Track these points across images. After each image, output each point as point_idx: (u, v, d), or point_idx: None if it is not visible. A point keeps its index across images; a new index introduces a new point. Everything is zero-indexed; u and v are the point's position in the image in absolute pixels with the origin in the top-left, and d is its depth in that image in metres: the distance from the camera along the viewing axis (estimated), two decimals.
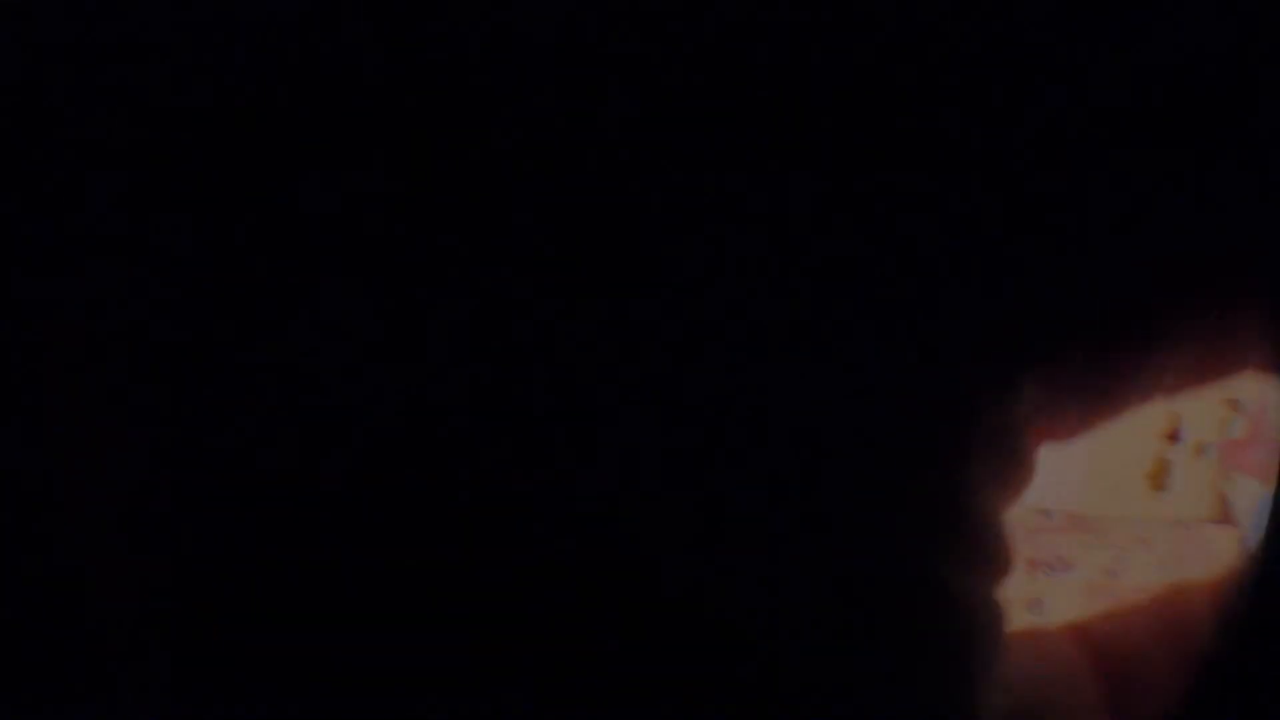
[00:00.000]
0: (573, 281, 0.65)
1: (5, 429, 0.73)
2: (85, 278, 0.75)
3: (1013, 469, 0.62)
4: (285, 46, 0.64)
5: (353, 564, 0.71)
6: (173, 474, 0.76)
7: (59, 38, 0.65)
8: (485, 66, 0.65)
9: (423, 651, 0.69)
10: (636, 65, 0.62)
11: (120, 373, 0.76)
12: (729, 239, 0.63)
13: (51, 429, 0.76)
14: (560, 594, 0.65)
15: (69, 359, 0.76)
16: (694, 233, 0.62)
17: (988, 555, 0.60)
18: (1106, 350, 0.61)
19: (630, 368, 0.63)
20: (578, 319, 0.65)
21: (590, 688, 0.65)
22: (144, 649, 0.76)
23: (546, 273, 0.65)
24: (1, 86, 0.65)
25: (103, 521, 0.79)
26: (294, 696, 0.71)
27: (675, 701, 0.63)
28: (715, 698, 0.63)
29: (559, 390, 0.65)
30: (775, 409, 0.61)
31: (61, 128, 0.69)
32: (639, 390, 0.62)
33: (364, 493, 0.71)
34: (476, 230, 0.68)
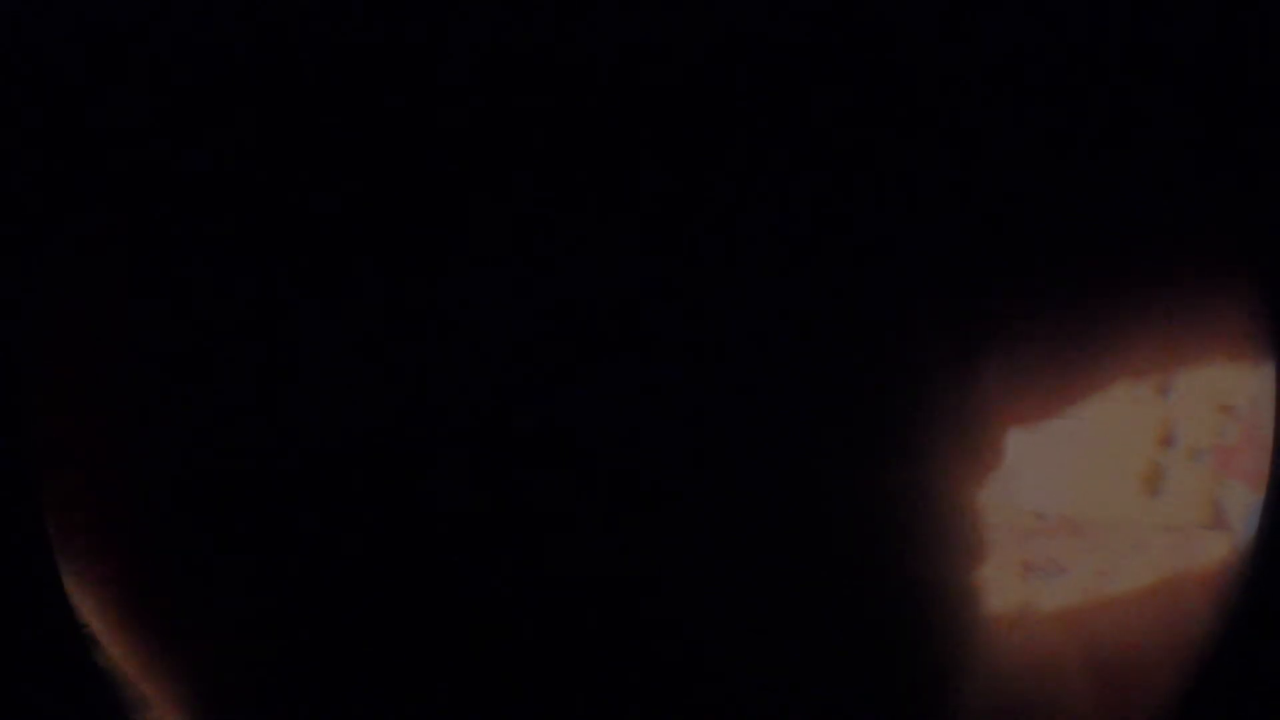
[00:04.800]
0: (561, 284, 0.65)
1: (5, 428, 0.73)
2: (85, 278, 0.75)
3: (979, 455, 0.62)
4: (285, 45, 0.64)
5: (348, 564, 0.72)
6: (168, 476, 0.76)
7: (63, 39, 0.65)
8: (489, 67, 0.65)
9: (418, 652, 0.70)
10: (622, 71, 0.62)
11: (120, 370, 0.77)
12: (696, 237, 0.63)
13: (49, 427, 0.76)
14: (550, 594, 0.65)
15: (67, 358, 0.76)
16: (657, 233, 0.62)
17: (959, 545, 0.61)
18: (1069, 330, 0.61)
19: (608, 369, 0.63)
20: (564, 324, 0.65)
21: (582, 686, 0.65)
22: (142, 651, 0.76)
23: (535, 272, 0.65)
24: (3, 87, 0.65)
25: (100, 523, 0.78)
26: (295, 696, 0.71)
27: (662, 698, 0.63)
28: (699, 694, 0.63)
29: (550, 392, 0.65)
30: (739, 407, 0.61)
31: (63, 128, 0.69)
32: (614, 392, 0.62)
33: (355, 493, 0.71)
34: (477, 231, 0.68)
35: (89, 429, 0.89)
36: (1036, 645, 0.73)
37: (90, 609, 0.92)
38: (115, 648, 0.93)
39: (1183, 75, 0.57)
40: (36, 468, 0.86)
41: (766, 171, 0.61)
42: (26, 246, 0.81)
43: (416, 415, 0.75)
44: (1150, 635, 0.72)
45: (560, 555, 0.68)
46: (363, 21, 0.71)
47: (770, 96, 0.61)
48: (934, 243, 0.60)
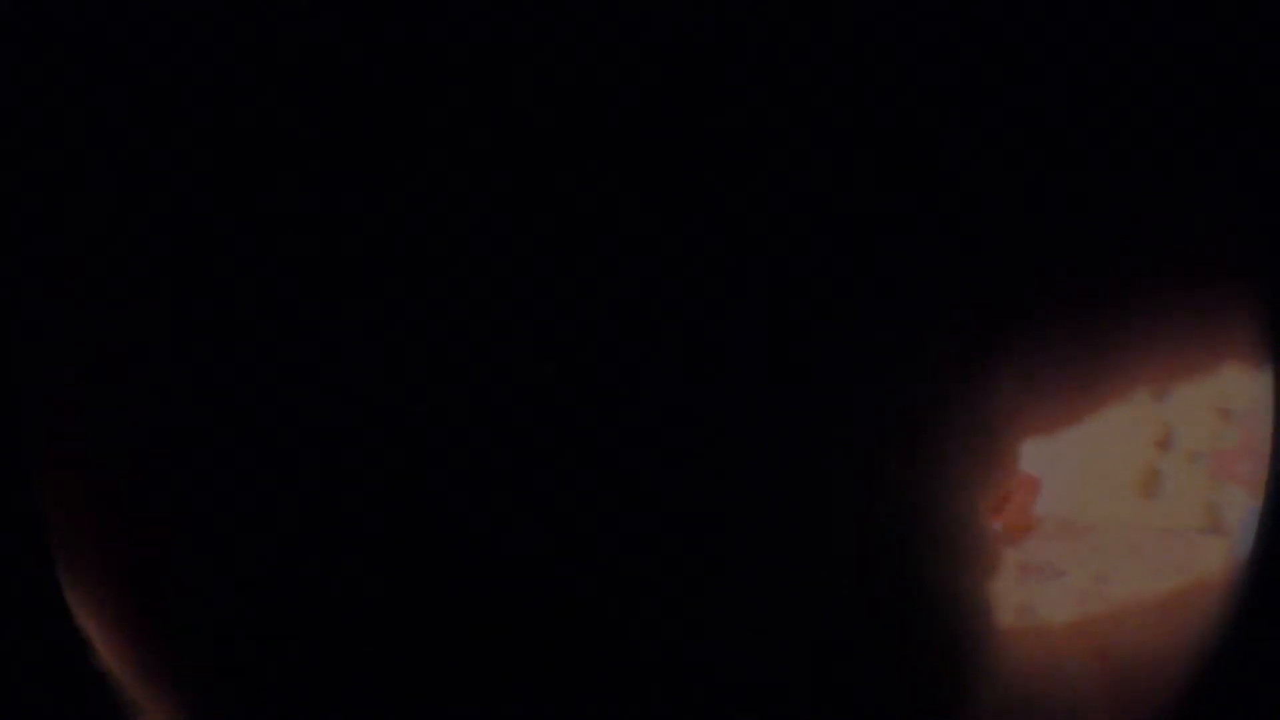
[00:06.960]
0: (564, 288, 0.65)
1: (4, 431, 0.73)
2: (83, 280, 0.75)
3: (995, 466, 0.62)
4: (285, 50, 0.64)
5: (347, 565, 0.72)
6: (167, 476, 0.76)
7: (65, 41, 0.65)
8: (487, 69, 0.65)
9: (418, 653, 0.70)
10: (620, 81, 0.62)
11: (120, 371, 0.77)
12: (704, 244, 0.63)
13: (50, 431, 0.76)
14: (553, 596, 0.65)
15: (67, 358, 0.76)
16: (669, 237, 0.63)
17: (971, 554, 0.61)
18: (1086, 341, 0.61)
19: (615, 373, 0.63)
20: (569, 325, 0.65)
21: (583, 689, 0.65)
22: (149, 654, 0.76)
23: (538, 278, 0.65)
24: (3, 88, 0.65)
25: (98, 525, 0.78)
26: (301, 698, 0.71)
27: (667, 702, 0.63)
28: (707, 698, 0.63)
29: (552, 395, 0.65)
30: (753, 415, 0.61)
31: (63, 130, 0.69)
32: (623, 397, 0.63)
33: (355, 494, 0.71)
34: (475, 234, 0.68)
35: (88, 430, 0.89)
36: (1039, 647, 0.74)
37: (88, 610, 0.92)
38: (112, 649, 0.93)
39: (1183, 83, 0.57)
40: (37, 468, 0.86)
41: (782, 180, 0.62)
42: (27, 246, 0.81)
43: (418, 416, 0.75)
44: (1148, 638, 0.73)
45: (572, 557, 0.68)
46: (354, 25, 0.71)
47: (787, 107, 0.61)
48: (944, 254, 0.60)
